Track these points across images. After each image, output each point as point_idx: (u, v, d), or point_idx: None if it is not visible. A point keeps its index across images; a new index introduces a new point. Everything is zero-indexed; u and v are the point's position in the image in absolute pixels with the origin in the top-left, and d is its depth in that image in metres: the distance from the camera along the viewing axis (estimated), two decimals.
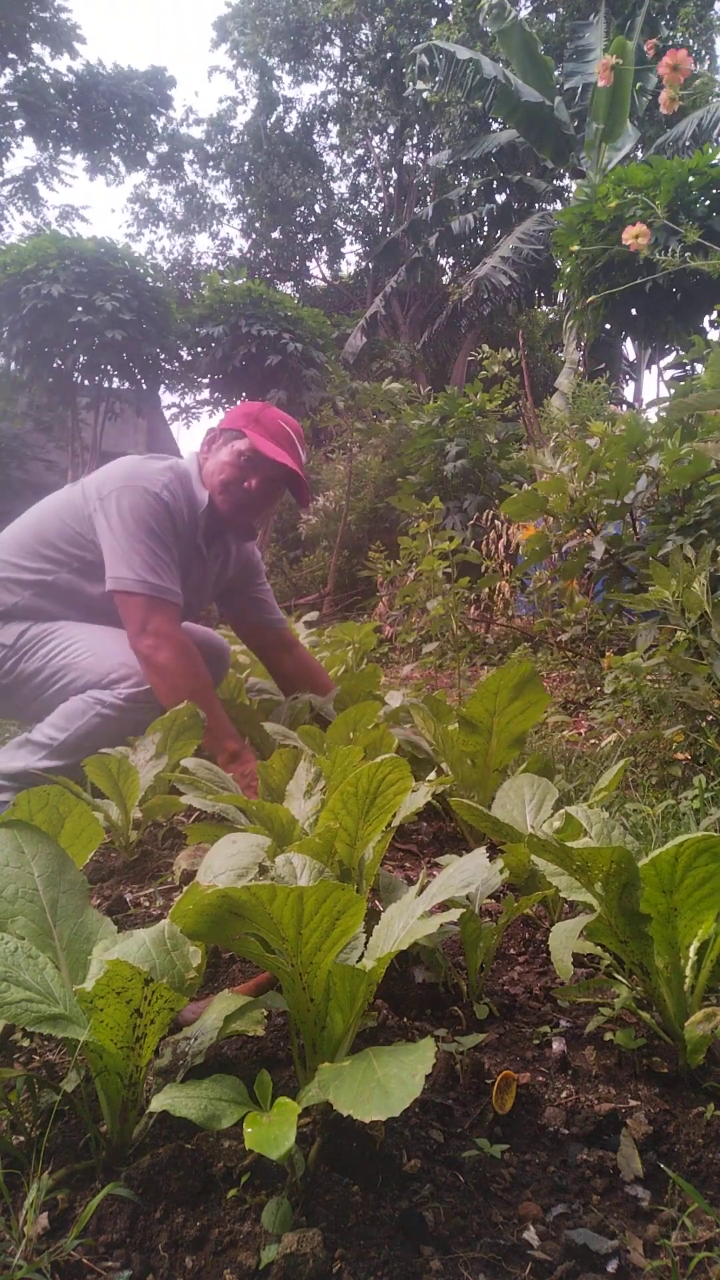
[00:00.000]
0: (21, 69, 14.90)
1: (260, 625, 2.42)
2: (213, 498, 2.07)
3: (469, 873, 0.84)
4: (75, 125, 16.37)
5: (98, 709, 1.84)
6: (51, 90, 15.23)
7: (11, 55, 14.42)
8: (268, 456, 2.02)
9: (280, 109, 21.71)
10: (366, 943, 0.87)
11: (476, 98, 11.26)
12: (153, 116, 16.89)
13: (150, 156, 18.29)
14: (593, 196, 5.44)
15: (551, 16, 16.98)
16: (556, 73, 11.65)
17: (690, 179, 5.39)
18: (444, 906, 0.92)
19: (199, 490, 2.07)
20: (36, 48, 14.75)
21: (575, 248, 5.26)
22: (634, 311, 5.99)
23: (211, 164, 21.84)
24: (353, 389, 8.23)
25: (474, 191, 13.76)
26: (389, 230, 21.03)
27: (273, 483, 2.09)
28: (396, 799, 1.06)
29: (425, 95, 14.16)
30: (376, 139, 20.91)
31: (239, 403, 9.51)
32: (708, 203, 5.46)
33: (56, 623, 1.96)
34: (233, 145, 21.48)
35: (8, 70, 14.77)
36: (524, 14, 16.90)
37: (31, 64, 14.95)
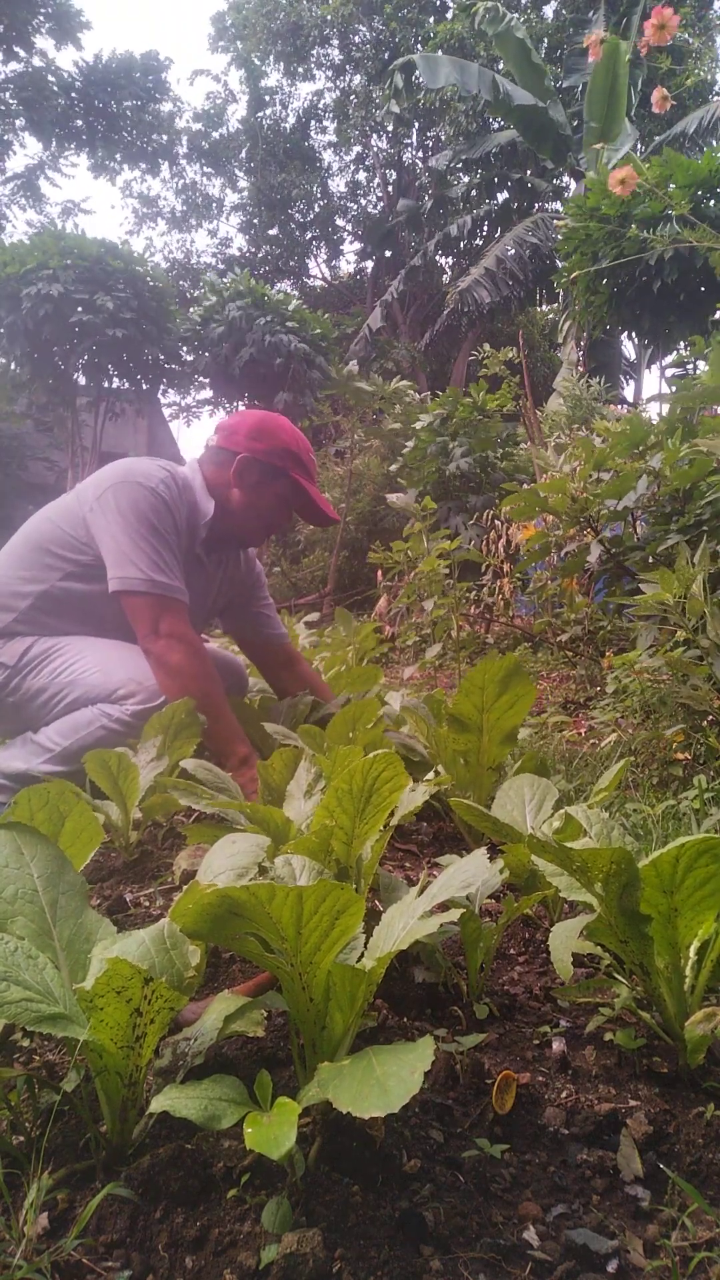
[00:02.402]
0: (24, 65, 14.94)
1: (263, 641, 2.41)
2: (231, 517, 2.07)
3: (470, 873, 0.84)
4: (79, 123, 16.43)
5: (104, 721, 1.83)
6: (55, 87, 15.27)
7: (15, 49, 14.44)
8: (323, 511, 2.08)
9: (277, 105, 21.75)
10: (366, 943, 0.87)
11: (461, 107, 11.28)
12: (153, 106, 16.98)
13: (149, 149, 18.37)
14: (599, 192, 5.43)
15: (548, 12, 16.99)
16: (555, 70, 11.66)
17: (702, 179, 5.38)
18: (444, 906, 0.93)
19: (203, 500, 2.05)
20: (39, 41, 14.82)
21: (582, 216, 5.23)
22: (638, 311, 5.98)
23: (206, 160, 21.85)
24: (358, 390, 8.23)
25: (474, 192, 13.76)
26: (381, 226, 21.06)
27: (294, 517, 2.14)
28: (392, 796, 1.05)
29: (396, 112, 14.24)
30: (375, 136, 20.92)
31: (239, 404, 9.53)
32: (711, 201, 5.45)
33: (61, 638, 1.94)
34: (227, 138, 21.47)
35: (12, 64, 14.81)
36: (522, 7, 16.90)
37: (34, 57, 15.00)
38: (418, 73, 11.30)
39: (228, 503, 2.07)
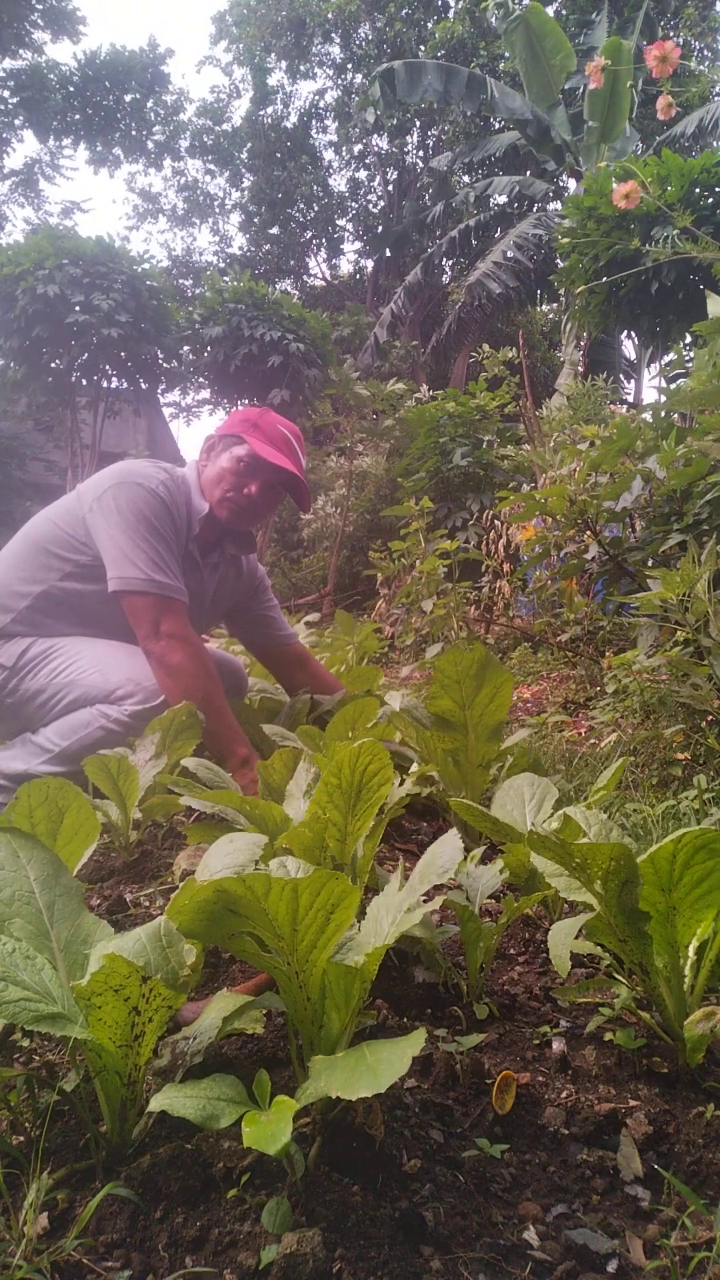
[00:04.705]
0: (22, 61, 14.92)
1: (271, 643, 2.39)
2: (213, 507, 2.04)
3: (446, 856, 0.84)
4: (76, 117, 16.40)
5: (102, 722, 1.83)
6: (52, 81, 15.25)
7: (12, 46, 14.40)
8: (268, 461, 1.99)
9: (278, 103, 21.73)
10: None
11: (447, 117, 11.26)
12: (152, 101, 16.93)
13: (150, 144, 18.35)
14: (598, 192, 5.43)
15: (550, 11, 16.97)
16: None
17: (697, 176, 5.38)
18: (431, 896, 0.93)
19: (197, 499, 2.04)
20: (37, 34, 14.74)
21: (573, 236, 5.25)
22: (637, 311, 5.98)
23: (209, 157, 21.83)
24: (356, 393, 8.23)
25: (473, 197, 13.74)
26: (389, 229, 21.02)
27: (272, 488, 2.06)
28: (382, 790, 1.05)
29: (371, 119, 14.16)
30: (376, 135, 20.88)
31: (239, 404, 9.55)
32: (710, 200, 5.45)
33: (59, 639, 1.93)
34: (229, 135, 21.44)
35: (8, 61, 14.77)
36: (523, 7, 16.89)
37: (32, 54, 14.96)
38: (397, 84, 11.28)
39: (206, 490, 2.06)
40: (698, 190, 5.40)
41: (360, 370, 13.06)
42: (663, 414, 3.25)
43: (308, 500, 2.17)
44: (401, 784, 1.34)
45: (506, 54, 11.38)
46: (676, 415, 3.35)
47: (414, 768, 1.73)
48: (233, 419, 2.12)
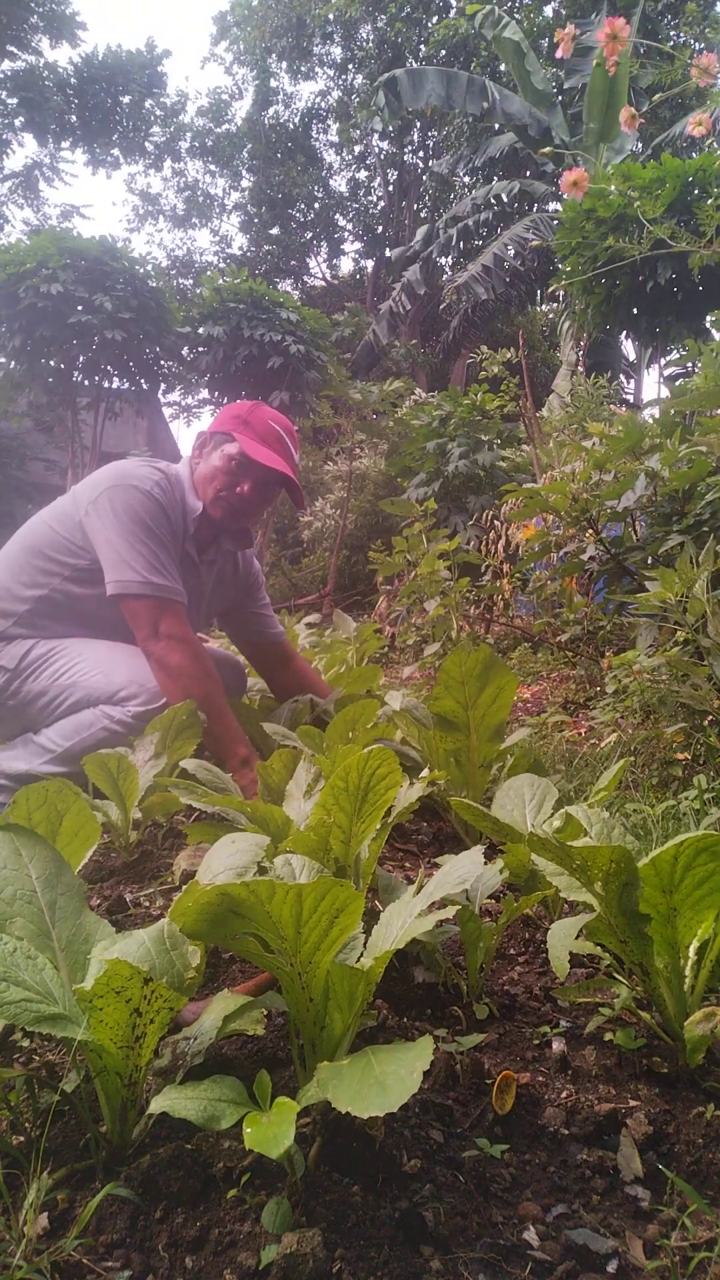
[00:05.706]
0: (21, 63, 14.90)
1: (263, 641, 2.40)
2: (206, 505, 2.03)
3: (464, 870, 0.84)
4: (74, 119, 16.40)
5: (105, 723, 1.83)
6: (49, 84, 15.23)
7: (11, 49, 14.38)
8: (258, 461, 1.97)
9: (279, 104, 21.75)
10: (365, 942, 0.87)
11: (448, 121, 11.35)
12: (150, 102, 16.96)
13: (149, 145, 18.39)
14: (596, 193, 5.43)
15: (549, 11, 16.97)
16: (556, 72, 11.66)
17: (692, 177, 5.38)
18: (442, 904, 0.93)
19: (191, 498, 2.04)
20: (35, 39, 14.72)
21: (575, 240, 5.25)
22: (635, 311, 5.98)
23: (210, 157, 21.85)
24: (351, 395, 8.23)
25: (475, 207, 13.73)
26: (389, 230, 21.03)
27: (265, 485, 2.04)
28: (389, 794, 1.05)
29: (380, 128, 14.19)
30: (376, 136, 20.88)
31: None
32: (710, 201, 5.44)
33: (60, 641, 1.93)
34: (230, 135, 21.43)
35: (7, 62, 14.75)
36: (523, 6, 16.86)
37: (30, 56, 14.94)
38: (401, 92, 11.29)
39: (199, 488, 2.05)
40: (696, 191, 5.40)
41: (356, 370, 13.06)
42: (670, 411, 3.25)
43: (302, 497, 2.16)
44: (411, 786, 1.34)
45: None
46: (675, 413, 3.35)
47: (425, 772, 1.73)
48: (224, 415, 2.10)
